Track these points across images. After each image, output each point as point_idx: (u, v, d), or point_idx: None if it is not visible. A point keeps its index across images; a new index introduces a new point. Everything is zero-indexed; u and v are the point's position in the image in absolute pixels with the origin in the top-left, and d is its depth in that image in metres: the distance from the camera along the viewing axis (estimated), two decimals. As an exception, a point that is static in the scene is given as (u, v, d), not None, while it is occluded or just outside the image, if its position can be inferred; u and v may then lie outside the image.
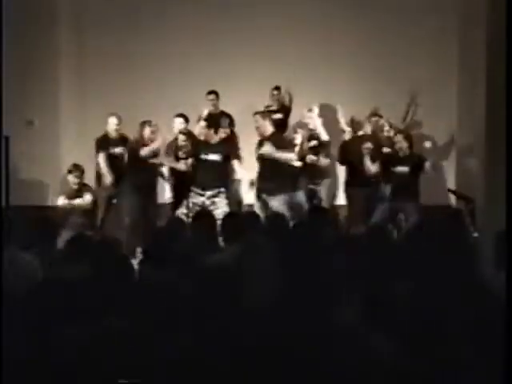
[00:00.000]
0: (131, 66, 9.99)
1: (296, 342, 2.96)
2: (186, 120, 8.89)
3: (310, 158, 8.67)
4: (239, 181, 8.84)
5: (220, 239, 5.66)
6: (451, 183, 9.82)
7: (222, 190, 8.27)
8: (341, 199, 9.25)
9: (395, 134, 8.83)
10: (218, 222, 5.90)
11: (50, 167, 9.86)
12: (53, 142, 10.06)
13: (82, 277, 4.05)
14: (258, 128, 8.33)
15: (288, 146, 8.39)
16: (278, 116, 9.21)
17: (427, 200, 8.55)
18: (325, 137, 8.78)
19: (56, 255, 5.31)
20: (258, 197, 8.28)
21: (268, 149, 8.16)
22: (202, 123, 8.35)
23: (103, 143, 8.90)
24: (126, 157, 8.71)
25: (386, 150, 8.66)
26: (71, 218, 8.43)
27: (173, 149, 8.70)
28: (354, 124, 8.88)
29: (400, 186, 8.30)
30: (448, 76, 9.69)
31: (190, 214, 7.82)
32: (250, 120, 8.59)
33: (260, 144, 8.34)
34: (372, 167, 8.43)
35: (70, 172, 8.67)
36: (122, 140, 8.94)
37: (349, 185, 8.79)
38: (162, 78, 9.88)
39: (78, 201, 8.57)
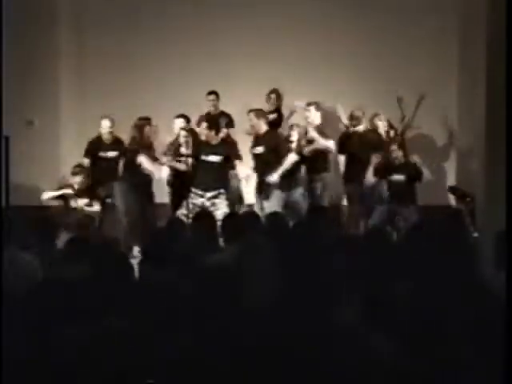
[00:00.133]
0: (131, 66, 9.99)
1: (296, 342, 2.96)
2: (188, 120, 8.89)
3: (309, 148, 8.67)
4: (239, 181, 8.82)
5: (220, 239, 5.66)
6: (451, 183, 9.81)
7: (222, 191, 8.26)
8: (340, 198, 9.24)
9: (395, 135, 8.86)
10: (218, 223, 5.90)
11: (49, 167, 9.86)
12: (53, 142, 10.07)
13: (82, 277, 4.05)
14: (252, 126, 8.33)
15: (282, 143, 8.39)
16: (273, 116, 9.21)
17: (427, 200, 8.56)
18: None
19: (56, 255, 5.31)
20: (259, 193, 8.29)
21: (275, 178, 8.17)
22: (204, 124, 8.35)
23: (94, 146, 9.00)
24: (121, 159, 8.73)
25: (376, 157, 8.68)
26: (71, 218, 8.42)
27: (173, 148, 8.69)
28: (354, 119, 8.88)
29: (397, 193, 8.36)
30: (448, 76, 9.70)
31: (190, 215, 7.82)
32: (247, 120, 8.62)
33: (255, 142, 8.32)
34: (372, 179, 8.48)
35: (76, 174, 8.58)
36: (116, 143, 8.97)
37: (347, 179, 8.79)
38: (161, 78, 9.88)
39: (88, 209, 8.53)
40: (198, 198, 8.21)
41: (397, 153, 8.54)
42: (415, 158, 8.67)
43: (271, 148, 8.21)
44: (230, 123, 9.22)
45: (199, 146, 8.38)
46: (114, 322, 3.20)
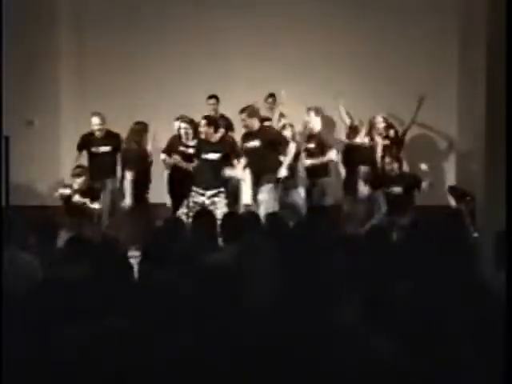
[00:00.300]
0: (131, 66, 10.00)
1: (296, 342, 2.96)
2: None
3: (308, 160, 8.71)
4: (239, 180, 8.82)
5: (220, 239, 5.67)
6: (451, 183, 9.81)
7: (222, 189, 8.25)
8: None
9: (395, 135, 8.89)
10: (218, 222, 5.90)
11: (49, 167, 9.87)
12: (53, 142, 10.08)
13: (82, 277, 4.05)
14: (246, 126, 8.32)
15: (279, 134, 8.40)
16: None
17: (427, 200, 8.56)
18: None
19: (56, 255, 5.31)
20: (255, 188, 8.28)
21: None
22: (203, 121, 8.36)
23: (85, 141, 9.05)
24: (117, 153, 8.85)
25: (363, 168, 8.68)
26: (71, 217, 8.42)
27: (175, 144, 8.70)
28: (352, 129, 8.92)
29: (395, 204, 8.35)
30: (448, 76, 9.70)
31: (191, 214, 7.83)
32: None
33: (245, 137, 8.30)
34: (366, 190, 8.50)
35: (78, 175, 8.55)
36: (108, 137, 8.99)
37: (346, 189, 8.82)
38: (161, 78, 9.89)
39: (90, 205, 8.53)
40: (199, 197, 8.21)
41: (392, 165, 8.55)
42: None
43: (267, 142, 8.17)
44: (230, 127, 9.23)
45: (199, 144, 8.38)
46: (113, 322, 3.20)
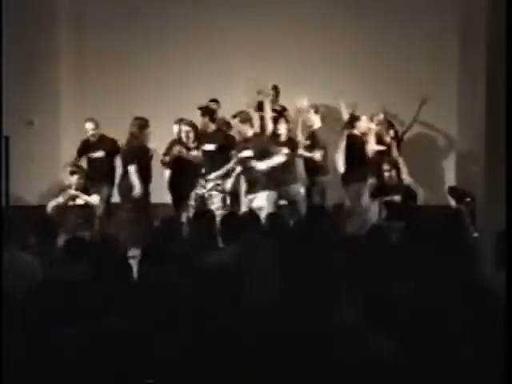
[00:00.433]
0: (131, 66, 9.99)
1: (296, 342, 2.96)
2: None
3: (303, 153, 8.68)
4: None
5: (220, 239, 5.66)
6: (451, 183, 9.81)
7: (219, 182, 8.23)
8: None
9: (395, 135, 8.88)
10: (218, 222, 5.89)
11: (49, 167, 9.86)
12: (53, 142, 10.07)
13: (82, 277, 4.05)
14: (239, 132, 8.29)
15: (270, 143, 8.31)
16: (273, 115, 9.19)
17: (427, 200, 8.56)
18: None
19: (56, 255, 5.31)
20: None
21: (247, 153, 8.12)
22: (199, 112, 8.37)
23: (84, 146, 9.13)
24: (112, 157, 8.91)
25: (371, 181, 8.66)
26: (71, 217, 8.42)
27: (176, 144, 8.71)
28: (352, 119, 8.85)
29: (394, 213, 8.32)
30: (448, 76, 9.69)
31: (195, 204, 7.96)
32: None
33: (243, 146, 8.25)
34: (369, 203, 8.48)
35: (73, 173, 8.63)
36: (102, 142, 9.07)
37: (345, 179, 8.76)
38: (161, 78, 9.88)
39: (87, 197, 8.56)
40: (202, 189, 8.24)
41: (390, 173, 8.53)
42: (407, 179, 8.66)
43: (259, 151, 8.13)
44: (229, 126, 9.21)
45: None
46: (113, 322, 3.20)
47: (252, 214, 6.60)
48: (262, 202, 7.94)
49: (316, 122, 8.96)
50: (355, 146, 8.61)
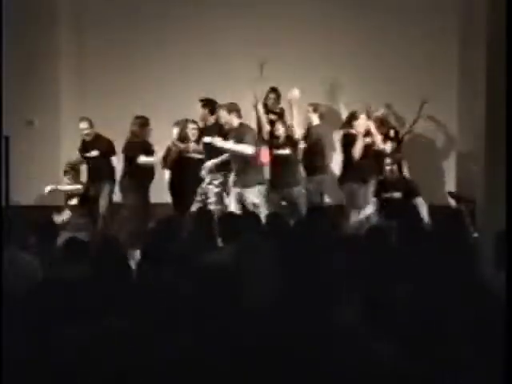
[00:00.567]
0: (131, 66, 9.99)
1: (296, 342, 2.96)
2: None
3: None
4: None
5: (219, 239, 5.66)
6: (451, 183, 9.81)
7: (218, 176, 8.21)
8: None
9: (395, 135, 8.85)
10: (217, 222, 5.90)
11: (49, 167, 9.86)
12: (53, 142, 10.08)
13: (82, 277, 4.05)
14: (225, 123, 8.17)
15: (248, 133, 8.11)
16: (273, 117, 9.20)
17: (427, 200, 8.55)
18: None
19: (56, 255, 5.31)
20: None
21: (209, 139, 8.09)
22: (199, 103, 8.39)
23: (83, 146, 9.14)
24: (112, 158, 8.93)
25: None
26: (71, 217, 8.43)
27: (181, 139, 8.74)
28: (350, 118, 8.82)
29: (394, 210, 8.25)
30: (448, 76, 9.69)
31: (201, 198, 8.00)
32: (249, 120, 8.61)
33: (227, 137, 8.20)
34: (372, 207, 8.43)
35: (65, 173, 8.71)
36: (97, 142, 9.07)
37: (341, 179, 8.71)
38: (161, 78, 9.88)
39: (68, 187, 8.59)
40: (203, 184, 8.26)
41: (392, 167, 8.48)
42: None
43: (239, 142, 8.04)
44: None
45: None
46: (113, 322, 3.20)
47: (251, 213, 6.60)
48: (253, 198, 7.86)
49: (314, 120, 8.97)
50: (352, 145, 8.56)
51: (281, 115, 9.17)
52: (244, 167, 7.95)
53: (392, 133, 9.19)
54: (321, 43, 9.80)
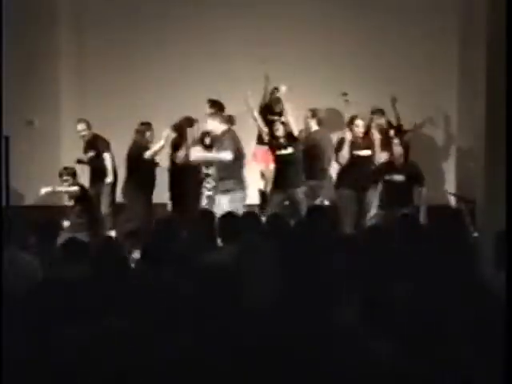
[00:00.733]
0: (131, 66, 9.99)
1: (296, 342, 2.96)
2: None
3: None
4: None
5: (219, 239, 5.66)
6: (451, 183, 9.81)
7: (210, 173, 8.24)
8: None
9: (394, 135, 8.82)
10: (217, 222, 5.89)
11: (49, 167, 9.86)
12: (53, 142, 10.08)
13: (82, 277, 4.05)
14: (211, 131, 8.22)
15: (227, 145, 8.03)
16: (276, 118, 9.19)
17: (427, 200, 8.55)
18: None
19: (56, 255, 5.31)
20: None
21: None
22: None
23: (84, 146, 9.17)
24: (107, 164, 8.92)
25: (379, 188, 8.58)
26: (71, 217, 8.43)
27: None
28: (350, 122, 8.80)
29: (395, 194, 8.20)
30: (448, 76, 9.70)
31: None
32: (249, 120, 8.62)
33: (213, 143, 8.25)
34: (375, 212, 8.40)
35: (60, 175, 8.69)
36: (93, 142, 9.09)
37: (339, 184, 8.69)
38: (161, 78, 9.88)
39: (64, 188, 8.57)
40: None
41: (398, 149, 8.38)
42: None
43: (218, 148, 8.08)
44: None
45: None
46: (113, 322, 3.20)
47: (251, 213, 6.59)
48: (229, 204, 7.72)
49: (313, 125, 8.97)
50: (350, 149, 8.54)
51: (280, 114, 9.16)
52: (224, 173, 7.96)
53: (392, 133, 9.14)
54: (321, 43, 9.80)
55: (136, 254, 7.27)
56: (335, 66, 9.75)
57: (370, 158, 8.60)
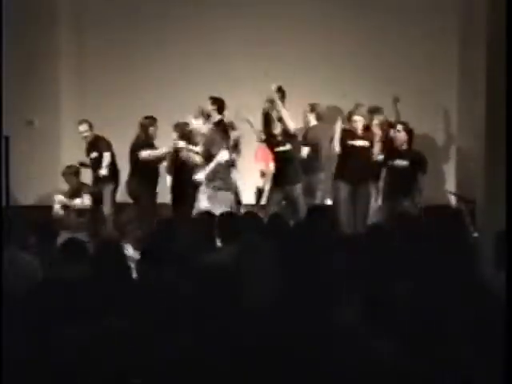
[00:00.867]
0: (131, 66, 9.99)
1: (296, 342, 2.96)
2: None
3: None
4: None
5: (218, 239, 5.66)
6: (451, 183, 9.81)
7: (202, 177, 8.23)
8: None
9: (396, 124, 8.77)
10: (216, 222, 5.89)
11: (49, 167, 9.87)
12: (53, 142, 10.08)
13: (82, 277, 4.05)
14: (194, 129, 8.26)
15: (217, 141, 8.15)
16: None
17: (427, 200, 8.55)
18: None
19: (56, 255, 5.31)
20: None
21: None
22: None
23: (86, 147, 9.17)
24: (104, 160, 8.91)
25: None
26: (72, 217, 8.44)
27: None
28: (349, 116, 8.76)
29: (398, 180, 8.22)
30: (448, 76, 9.69)
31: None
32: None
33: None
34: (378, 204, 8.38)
35: (63, 174, 8.71)
36: (95, 143, 9.09)
37: (336, 176, 8.64)
38: (161, 78, 9.88)
39: (77, 201, 8.57)
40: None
41: (402, 135, 8.37)
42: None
43: (207, 147, 8.10)
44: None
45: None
46: (113, 322, 3.20)
47: (251, 213, 6.59)
48: (206, 203, 7.83)
49: (311, 120, 8.95)
50: (347, 140, 8.47)
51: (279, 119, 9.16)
52: (217, 173, 8.01)
53: (392, 132, 9.10)
54: (321, 43, 9.80)
55: (130, 251, 7.30)
56: (335, 66, 9.75)
57: (367, 150, 8.49)
